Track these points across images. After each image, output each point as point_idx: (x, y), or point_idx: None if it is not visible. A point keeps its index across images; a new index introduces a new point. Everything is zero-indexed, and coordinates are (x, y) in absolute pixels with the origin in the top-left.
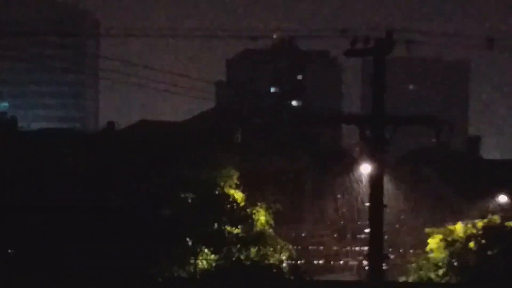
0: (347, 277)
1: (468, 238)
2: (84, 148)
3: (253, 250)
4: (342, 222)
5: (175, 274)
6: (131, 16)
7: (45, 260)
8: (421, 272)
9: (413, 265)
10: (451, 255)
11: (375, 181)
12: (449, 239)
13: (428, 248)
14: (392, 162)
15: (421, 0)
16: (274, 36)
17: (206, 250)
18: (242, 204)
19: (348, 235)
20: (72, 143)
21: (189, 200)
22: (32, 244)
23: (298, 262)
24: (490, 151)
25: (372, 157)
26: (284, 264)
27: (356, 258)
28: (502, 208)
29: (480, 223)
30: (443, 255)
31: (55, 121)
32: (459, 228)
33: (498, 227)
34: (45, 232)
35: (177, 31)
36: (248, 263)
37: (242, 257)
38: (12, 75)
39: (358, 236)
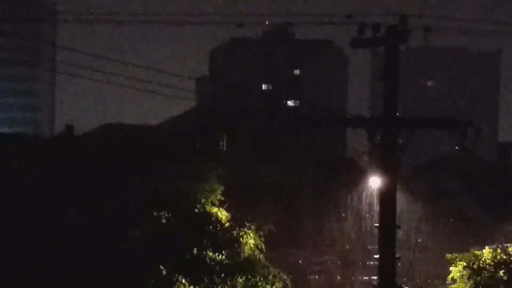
0: None
1: (498, 265)
2: (36, 156)
3: (240, 280)
4: (347, 246)
5: None
6: None
7: None
8: None
9: None
10: (477, 286)
11: (386, 197)
12: (475, 266)
13: (449, 277)
14: (407, 173)
15: None
16: (267, 23)
17: (183, 280)
18: (227, 224)
19: (355, 262)
20: (21, 150)
21: (163, 220)
22: None
23: None
24: None
25: (383, 167)
26: None
27: None
28: None
29: None
30: (467, 286)
31: (1, 124)
32: (487, 253)
33: None
34: None
35: (151, 17)
36: None
37: None
38: None
39: (367, 263)
